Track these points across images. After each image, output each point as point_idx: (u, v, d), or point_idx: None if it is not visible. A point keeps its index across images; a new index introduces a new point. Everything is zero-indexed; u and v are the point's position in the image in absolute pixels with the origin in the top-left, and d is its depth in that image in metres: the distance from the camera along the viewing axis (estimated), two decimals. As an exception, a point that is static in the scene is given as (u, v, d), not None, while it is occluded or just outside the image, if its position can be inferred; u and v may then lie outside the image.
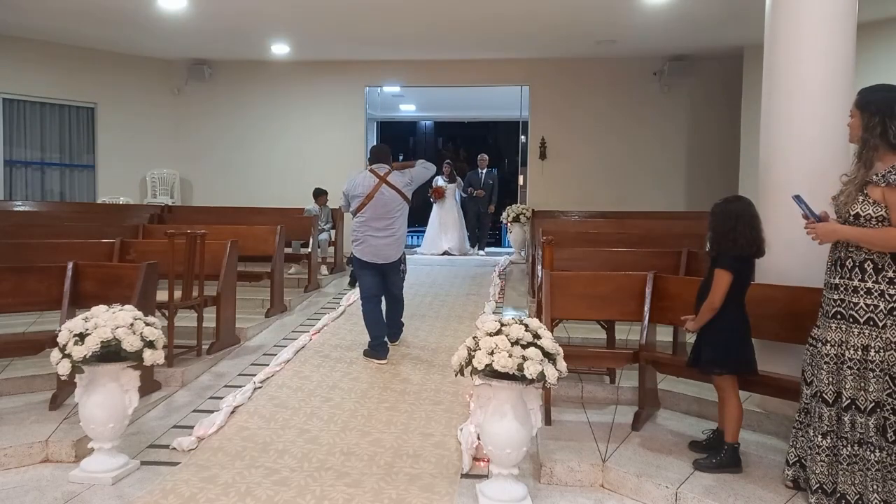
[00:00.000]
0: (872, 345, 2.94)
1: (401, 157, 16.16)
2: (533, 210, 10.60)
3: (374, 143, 14.34)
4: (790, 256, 4.01)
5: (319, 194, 9.91)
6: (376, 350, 5.68)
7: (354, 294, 7.74)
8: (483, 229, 12.78)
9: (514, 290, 8.82)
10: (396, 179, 5.79)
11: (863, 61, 4.69)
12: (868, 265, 2.98)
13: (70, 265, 4.86)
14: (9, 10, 9.17)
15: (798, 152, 4.12)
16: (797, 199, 3.15)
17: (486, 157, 12.69)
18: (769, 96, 4.34)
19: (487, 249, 12.82)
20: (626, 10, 8.84)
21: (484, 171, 12.50)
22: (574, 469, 3.69)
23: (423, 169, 6.06)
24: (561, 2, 8.58)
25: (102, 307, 3.67)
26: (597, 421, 4.38)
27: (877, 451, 2.93)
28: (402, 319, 6.21)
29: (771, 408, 4.17)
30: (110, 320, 3.54)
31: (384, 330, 5.81)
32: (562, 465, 3.69)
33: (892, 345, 2.91)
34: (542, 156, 12.09)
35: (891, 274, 2.94)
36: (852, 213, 3.02)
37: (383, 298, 5.96)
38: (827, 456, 3.06)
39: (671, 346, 5.02)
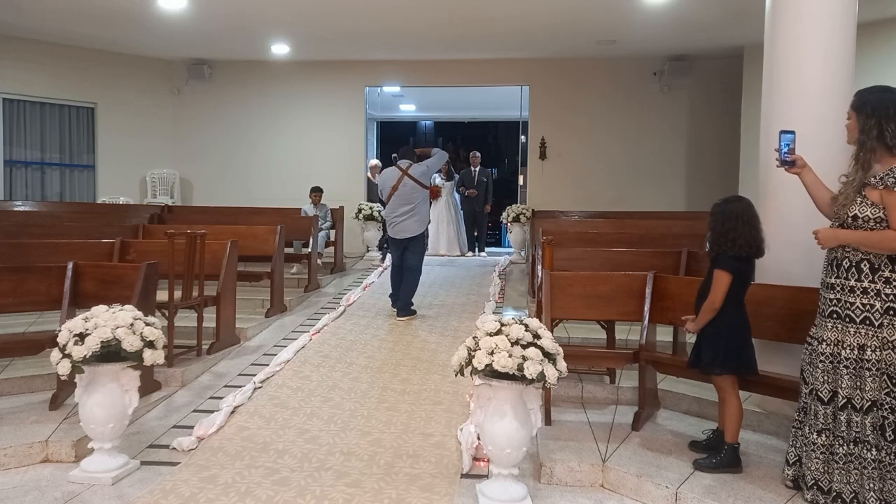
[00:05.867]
0: (868, 344, 2.95)
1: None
2: (533, 210, 10.59)
3: (375, 143, 14.46)
4: (790, 256, 4.02)
5: (312, 192, 9.89)
6: (391, 300, 7.36)
7: (354, 294, 8.14)
8: (481, 230, 12.67)
9: (514, 290, 8.82)
10: (415, 171, 7.21)
11: (863, 61, 4.69)
12: (864, 265, 2.99)
13: (70, 265, 4.85)
14: (9, 10, 9.17)
15: (797, 152, 4.11)
16: (782, 133, 3.20)
17: (478, 154, 12.59)
18: (769, 96, 4.35)
19: (487, 249, 12.76)
20: (626, 10, 8.84)
21: (476, 169, 12.36)
22: (574, 469, 3.69)
23: (437, 159, 7.46)
24: (561, 2, 8.57)
25: (102, 307, 3.67)
26: (597, 421, 4.38)
27: (874, 449, 2.94)
28: (413, 308, 7.21)
29: (771, 408, 4.18)
30: (110, 320, 3.53)
31: (398, 288, 7.29)
32: (562, 465, 3.70)
33: (889, 344, 2.92)
34: (542, 156, 12.08)
35: (887, 273, 2.95)
36: (850, 214, 3.02)
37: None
38: (822, 453, 3.07)
39: (671, 346, 5.03)
